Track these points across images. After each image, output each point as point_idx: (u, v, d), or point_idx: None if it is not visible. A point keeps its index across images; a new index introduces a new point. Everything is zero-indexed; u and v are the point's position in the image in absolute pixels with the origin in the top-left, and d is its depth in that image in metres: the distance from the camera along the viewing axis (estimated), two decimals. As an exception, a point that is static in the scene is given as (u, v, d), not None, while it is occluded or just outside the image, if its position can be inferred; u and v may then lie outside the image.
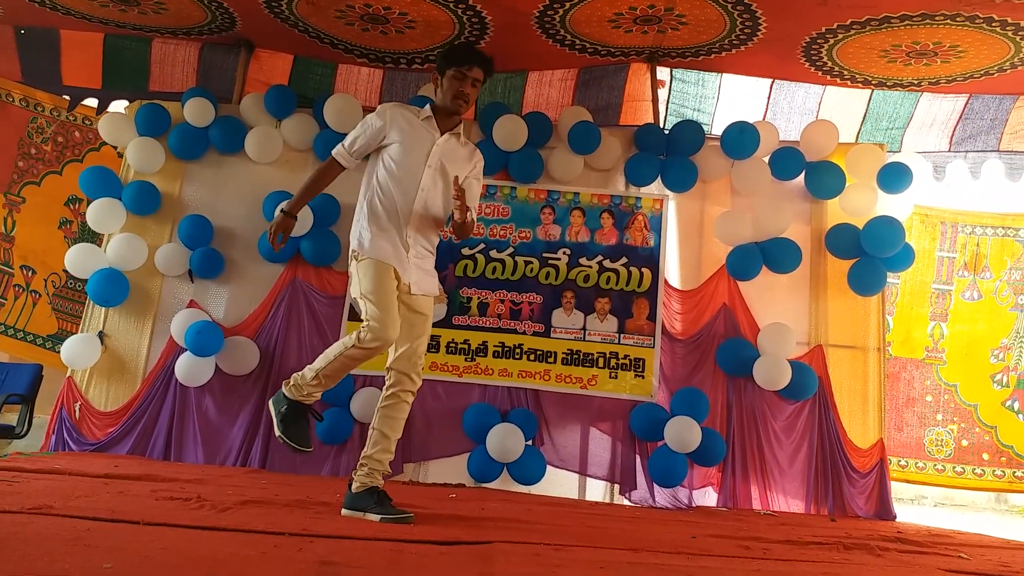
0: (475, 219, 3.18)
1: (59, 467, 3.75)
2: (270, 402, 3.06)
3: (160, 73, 5.76)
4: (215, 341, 4.81)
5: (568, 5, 4.65)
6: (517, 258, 5.17)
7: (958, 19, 4.39)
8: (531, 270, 5.15)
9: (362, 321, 2.91)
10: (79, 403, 4.98)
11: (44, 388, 5.05)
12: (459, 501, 3.82)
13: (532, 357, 5.03)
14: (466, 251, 5.18)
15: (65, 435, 4.90)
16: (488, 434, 4.69)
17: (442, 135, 3.13)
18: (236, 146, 5.30)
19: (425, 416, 4.92)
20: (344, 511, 2.97)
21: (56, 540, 1.99)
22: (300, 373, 3.00)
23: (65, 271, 5.24)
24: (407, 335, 3.02)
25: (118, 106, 5.77)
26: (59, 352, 5.55)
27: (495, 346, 5.05)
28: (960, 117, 5.54)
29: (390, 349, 3.01)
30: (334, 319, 5.07)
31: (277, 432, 2.97)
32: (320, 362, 2.95)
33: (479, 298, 5.12)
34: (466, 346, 5.05)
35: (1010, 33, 4.50)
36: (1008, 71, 5.01)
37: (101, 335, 5.09)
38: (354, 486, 3.00)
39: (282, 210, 3.18)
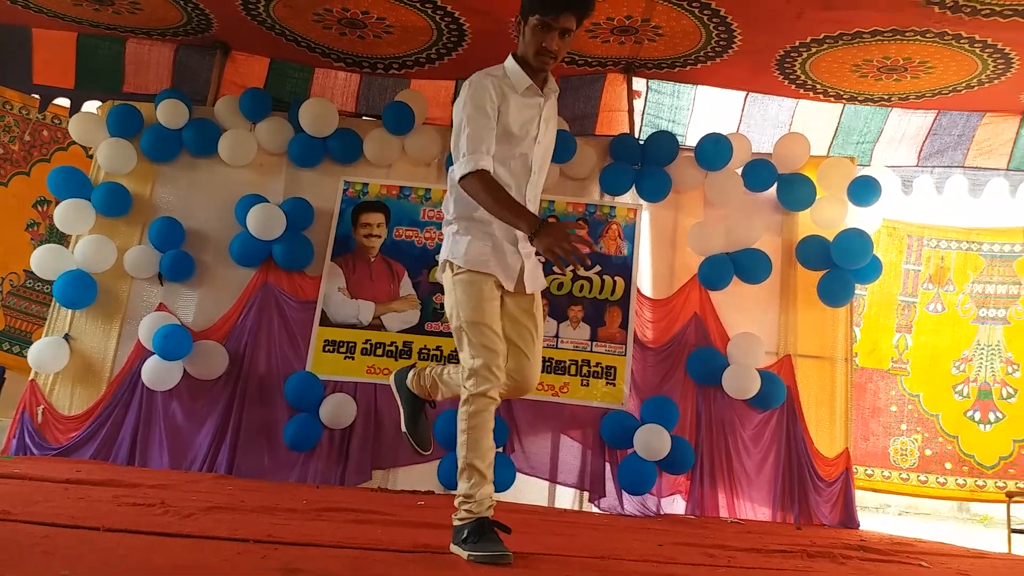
0: None
1: (20, 472, 3.68)
2: (453, 547, 2.43)
3: (134, 74, 5.70)
4: (184, 345, 4.76)
5: (545, 14, 4.66)
6: (491, 265, 5.15)
7: (928, 35, 4.48)
8: (505, 277, 5.14)
9: (463, 362, 2.48)
10: (42, 407, 4.90)
11: (6, 390, 4.98)
12: (427, 508, 3.81)
13: (505, 364, 5.02)
14: (440, 257, 5.16)
15: (27, 439, 4.81)
16: (459, 441, 4.68)
17: (542, 98, 2.59)
18: (210, 149, 5.27)
19: (395, 423, 4.85)
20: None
21: (13, 546, 1.95)
22: (458, 493, 2.48)
23: (26, 271, 5.16)
24: (517, 342, 2.58)
25: (91, 106, 5.71)
26: (11, 351, 5.46)
27: (468, 353, 5.03)
28: (929, 132, 5.64)
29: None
30: (305, 324, 5.04)
31: (470, 558, 2.31)
32: (459, 456, 2.51)
33: (452, 304, 5.11)
34: (439, 352, 5.03)
35: (978, 50, 4.59)
36: (976, 88, 5.11)
37: (67, 337, 5.02)
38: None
39: (535, 232, 2.34)
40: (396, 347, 5.03)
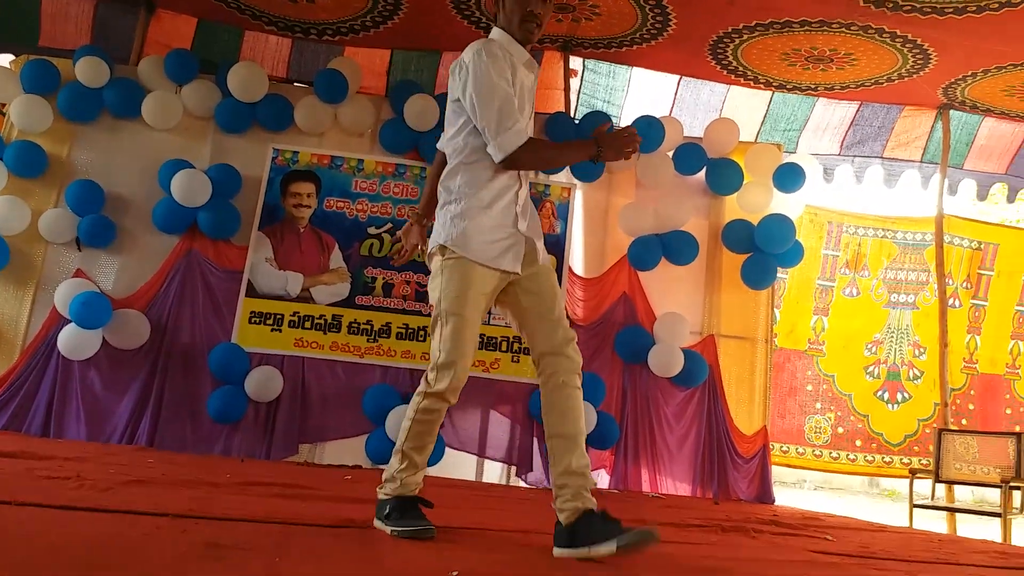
0: None
1: (-76, 443, 3.53)
2: (376, 522, 2.38)
3: (51, 28, 5.42)
4: (102, 313, 4.60)
5: (483, -12, 4.64)
6: (424, 239, 5.14)
7: (852, 28, 4.62)
8: (437, 252, 5.13)
9: (432, 348, 2.34)
10: (-51, 375, 4.68)
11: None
12: (354, 483, 3.80)
13: (436, 339, 5.03)
14: (372, 230, 5.13)
15: (-68, 409, 4.60)
16: (387, 416, 4.68)
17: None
18: (132, 110, 5.07)
19: (323, 397, 4.88)
20: (561, 552, 2.16)
21: (-85, 521, 1.88)
22: (388, 465, 2.41)
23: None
24: (537, 310, 2.38)
25: (3, 60, 5.41)
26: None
27: (399, 327, 5.03)
28: (851, 123, 5.84)
29: (528, 336, 2.39)
30: (231, 293, 4.94)
31: (392, 532, 2.29)
32: (397, 440, 2.40)
33: (384, 278, 5.09)
34: (368, 327, 5.00)
35: (898, 45, 4.76)
36: (896, 81, 5.31)
37: (-25, 303, 4.80)
38: (563, 518, 2.19)
39: (597, 148, 2.33)
40: (325, 320, 4.97)
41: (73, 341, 4.60)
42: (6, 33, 5.38)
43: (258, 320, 4.92)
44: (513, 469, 4.98)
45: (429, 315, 5.16)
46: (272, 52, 5.70)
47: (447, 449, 4.85)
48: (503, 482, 4.96)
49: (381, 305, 5.05)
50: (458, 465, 4.91)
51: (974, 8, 4.22)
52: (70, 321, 4.60)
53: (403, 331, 5.03)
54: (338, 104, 5.22)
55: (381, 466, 4.74)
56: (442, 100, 5.21)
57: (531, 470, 4.91)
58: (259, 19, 5.39)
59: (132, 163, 5.09)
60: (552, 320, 2.37)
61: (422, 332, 5.04)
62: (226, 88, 5.09)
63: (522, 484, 4.92)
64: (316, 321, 4.97)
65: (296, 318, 4.96)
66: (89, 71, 4.97)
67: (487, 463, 4.99)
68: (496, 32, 2.44)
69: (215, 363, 4.71)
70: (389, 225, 5.14)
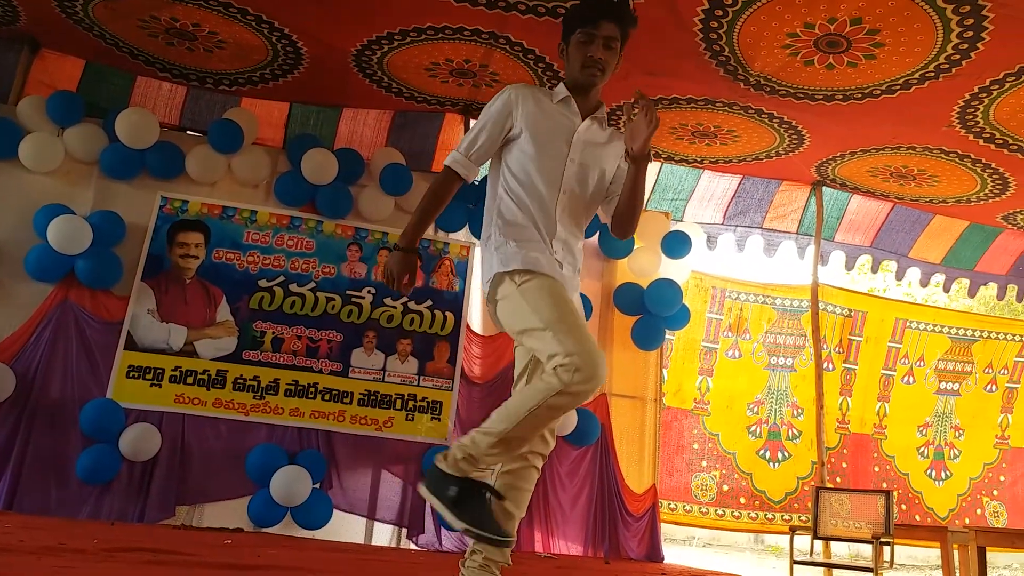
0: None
1: None
2: (423, 488, 2.19)
3: (-80, 62, 5.11)
4: (-39, 366, 4.26)
5: (386, 48, 4.71)
6: (319, 293, 5.06)
7: (734, 108, 4.94)
8: (333, 307, 5.06)
9: (552, 359, 2.12)
10: None
11: None
12: (234, 547, 3.61)
13: (327, 397, 4.92)
14: (264, 283, 5.00)
15: None
16: (273, 477, 4.50)
17: (583, 119, 2.50)
18: (8, 151, 4.78)
19: (204, 456, 4.64)
20: None
21: None
22: (468, 440, 2.19)
23: None
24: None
25: None
26: None
27: (288, 384, 4.88)
28: (734, 195, 6.19)
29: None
30: (108, 347, 4.67)
31: (458, 525, 2.11)
32: (501, 422, 2.16)
33: (274, 333, 4.95)
34: (255, 383, 4.83)
35: (776, 125, 5.12)
36: (774, 158, 5.69)
37: None
38: None
39: (397, 247, 2.41)
40: (209, 375, 4.77)
41: (-76, 396, 4.23)
42: None
43: (137, 374, 4.67)
44: (404, 531, 4.86)
45: (320, 371, 5.05)
46: (165, 99, 5.54)
47: (334, 511, 4.68)
48: (394, 545, 4.82)
49: (269, 361, 4.90)
50: (346, 528, 4.75)
51: (841, 97, 4.60)
52: (-78, 374, 4.24)
53: (292, 388, 4.89)
54: (232, 154, 5.12)
55: (264, 529, 4.53)
56: (341, 155, 5.22)
57: (423, 532, 4.80)
58: (152, 65, 5.26)
59: (5, 207, 4.79)
60: None
61: (312, 389, 4.91)
62: (113, 133, 4.90)
63: (413, 547, 4.80)
64: (199, 376, 4.76)
65: (178, 373, 4.74)
66: (-39, 108, 4.70)
67: (377, 525, 4.85)
68: (560, 85, 2.55)
69: (87, 420, 4.41)
70: (281, 278, 5.03)
